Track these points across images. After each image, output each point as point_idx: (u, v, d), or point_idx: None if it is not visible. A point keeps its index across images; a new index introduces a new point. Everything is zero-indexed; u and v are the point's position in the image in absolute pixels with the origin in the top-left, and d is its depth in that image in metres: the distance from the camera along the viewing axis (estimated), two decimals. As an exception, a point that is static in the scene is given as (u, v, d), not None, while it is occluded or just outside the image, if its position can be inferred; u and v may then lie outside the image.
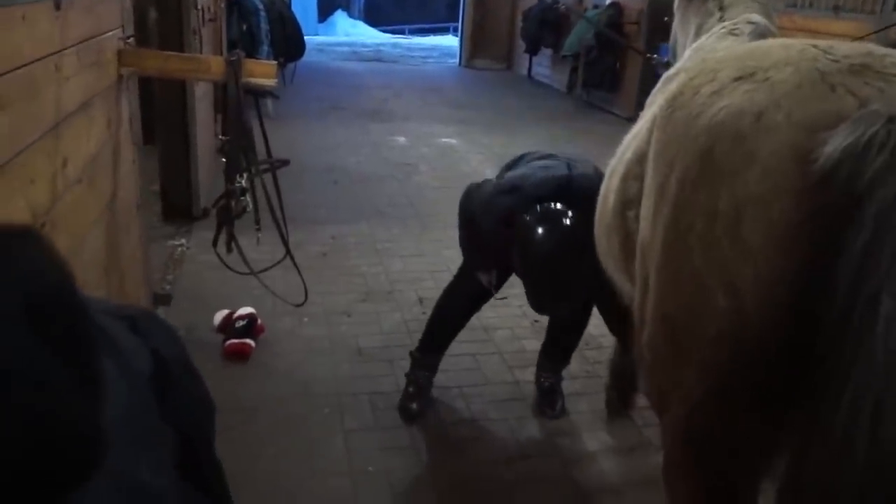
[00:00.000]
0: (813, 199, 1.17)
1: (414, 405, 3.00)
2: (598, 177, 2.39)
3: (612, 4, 9.40)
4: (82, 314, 0.57)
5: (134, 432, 0.69)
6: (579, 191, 2.51)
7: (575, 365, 3.44)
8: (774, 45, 1.47)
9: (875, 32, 3.48)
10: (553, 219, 2.50)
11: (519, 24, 12.28)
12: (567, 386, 3.25)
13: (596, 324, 3.84)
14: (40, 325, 0.53)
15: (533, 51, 11.84)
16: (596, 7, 9.87)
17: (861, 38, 3.62)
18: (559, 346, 3.15)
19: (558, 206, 2.51)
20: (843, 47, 1.35)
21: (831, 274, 1.12)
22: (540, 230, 2.47)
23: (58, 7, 2.03)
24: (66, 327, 0.55)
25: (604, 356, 3.46)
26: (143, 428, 0.73)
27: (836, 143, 1.13)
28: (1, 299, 0.52)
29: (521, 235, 2.51)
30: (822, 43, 1.38)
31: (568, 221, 2.48)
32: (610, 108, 9.51)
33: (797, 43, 1.41)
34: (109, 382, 0.61)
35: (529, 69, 12.51)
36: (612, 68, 9.20)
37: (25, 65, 1.80)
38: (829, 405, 1.11)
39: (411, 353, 3.11)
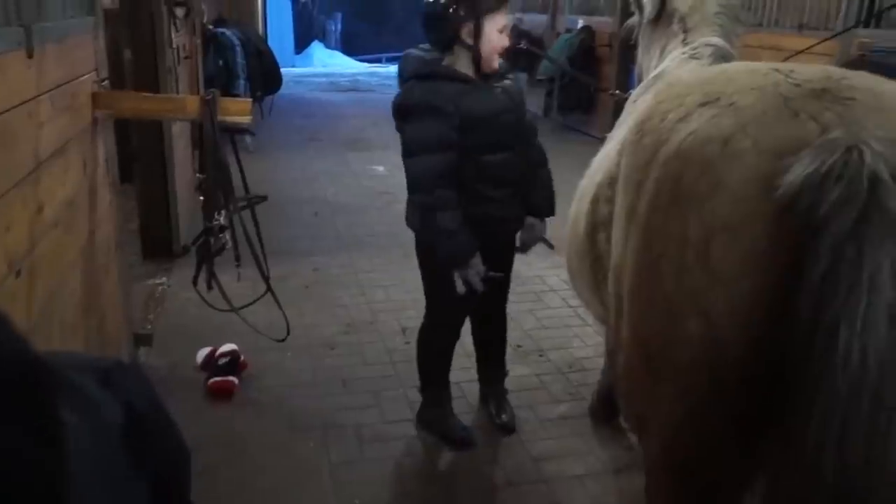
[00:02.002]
0: (778, 226, 1.19)
1: (462, 431, 3.02)
2: None
3: (584, 28, 9.55)
4: (42, 383, 0.59)
5: (103, 484, 0.70)
6: None
7: (559, 389, 3.46)
8: (739, 70, 1.50)
9: (825, 40, 3.57)
10: None
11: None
12: (551, 410, 3.26)
13: (579, 345, 3.88)
14: (6, 400, 0.54)
15: (508, 76, 11.95)
16: (569, 31, 10.01)
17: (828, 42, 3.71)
18: (489, 354, 3.20)
19: None
20: (805, 71, 1.38)
21: (795, 302, 1.14)
22: None
23: (30, 55, 2.05)
24: (24, 398, 0.56)
25: (588, 379, 3.48)
26: (112, 479, 0.74)
27: (796, 173, 1.16)
28: None
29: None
30: (784, 66, 1.41)
31: None
32: (586, 130, 9.61)
33: (761, 67, 1.44)
34: (77, 438, 0.62)
35: (506, 94, 12.62)
36: (587, 90, 9.31)
37: (-2, 114, 1.81)
38: (798, 431, 1.14)
39: (420, 392, 3.13)
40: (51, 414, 0.59)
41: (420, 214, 2.68)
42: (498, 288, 3.00)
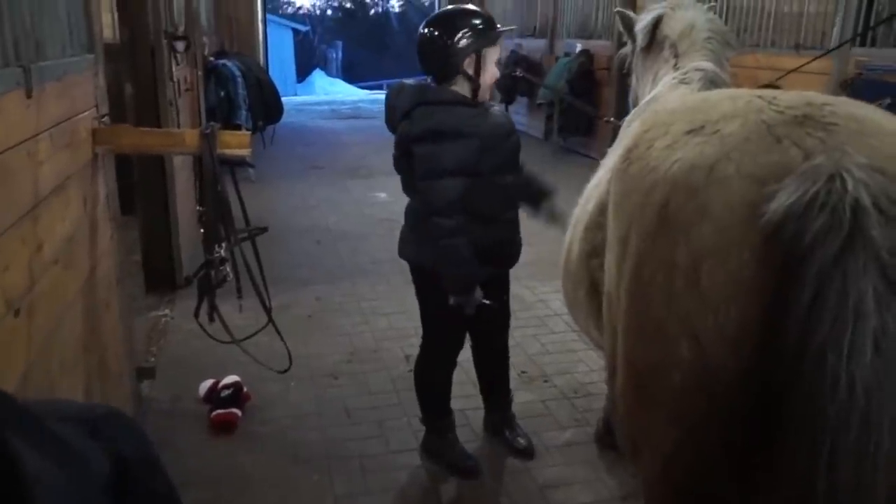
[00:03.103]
0: (764, 252, 1.20)
1: (467, 460, 3.01)
2: None
3: (582, 52, 9.61)
4: (11, 464, 0.58)
5: None
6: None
7: (564, 415, 3.43)
8: (723, 97, 1.52)
9: (820, 56, 3.60)
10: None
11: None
12: (557, 436, 3.23)
13: (584, 370, 3.86)
14: None
15: (509, 100, 12.03)
16: (567, 55, 10.08)
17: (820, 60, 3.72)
18: (493, 381, 3.19)
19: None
20: (787, 98, 1.40)
21: (782, 328, 1.15)
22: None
23: (29, 95, 2.07)
24: None
25: (593, 404, 3.46)
26: None
27: (780, 201, 1.17)
28: None
29: (443, 19, 2.65)
30: (766, 93, 1.43)
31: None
32: (587, 153, 9.64)
33: (744, 94, 1.47)
34: (61, 491, 0.62)
35: (506, 118, 12.69)
36: (593, 113, 9.35)
37: (-3, 154, 1.82)
38: (789, 455, 1.16)
39: (422, 422, 3.12)
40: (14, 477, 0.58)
41: (436, 236, 2.61)
42: (500, 314, 3.01)
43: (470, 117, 2.61)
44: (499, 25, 2.68)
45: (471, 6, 2.74)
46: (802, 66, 3.14)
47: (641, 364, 1.45)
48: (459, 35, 2.58)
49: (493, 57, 2.67)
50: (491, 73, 2.67)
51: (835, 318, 1.11)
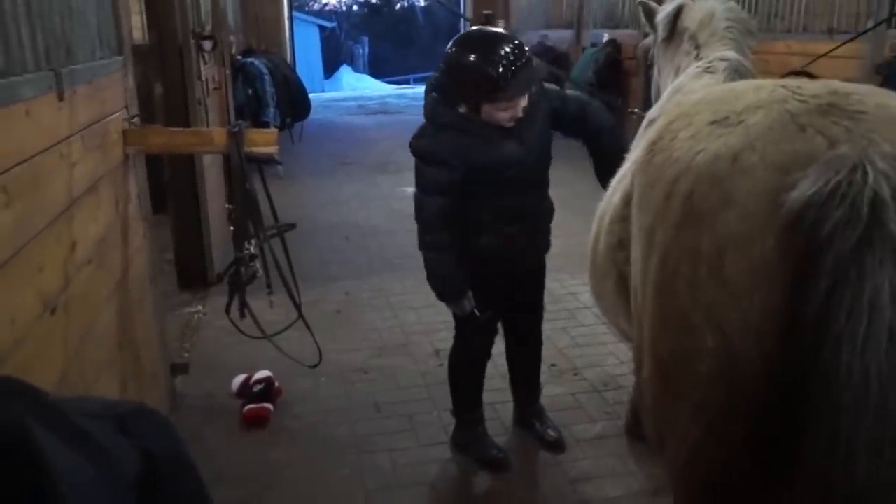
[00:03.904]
0: (786, 241, 1.20)
1: (497, 452, 3.01)
2: None
3: (609, 42, 9.52)
4: (34, 455, 0.60)
5: None
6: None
7: (594, 408, 3.41)
8: (747, 88, 1.52)
9: (852, 39, 3.49)
10: (477, 33, 2.63)
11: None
12: (588, 429, 3.22)
13: (614, 363, 3.83)
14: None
15: (535, 92, 11.98)
16: (594, 45, 10.00)
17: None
18: (525, 375, 3.18)
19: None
20: (811, 87, 1.40)
21: (801, 318, 1.16)
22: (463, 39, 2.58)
23: (60, 98, 2.11)
24: (22, 469, 0.58)
25: (623, 397, 3.43)
26: None
27: (802, 189, 1.17)
28: None
29: (463, 63, 2.51)
30: (792, 82, 1.43)
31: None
32: (615, 143, 9.57)
33: (768, 84, 1.46)
34: (90, 488, 0.63)
35: (533, 110, 12.62)
36: (614, 104, 9.27)
37: (30, 157, 1.86)
38: (808, 445, 1.17)
39: (453, 415, 3.13)
40: (44, 475, 0.59)
41: (420, 246, 2.77)
42: (531, 310, 3.00)
43: (462, 147, 2.58)
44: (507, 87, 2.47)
45: (492, 53, 2.47)
46: (832, 50, 3.07)
47: (666, 355, 1.46)
48: (460, 88, 2.55)
49: (497, 108, 2.53)
50: (498, 117, 2.55)
51: (850, 311, 1.11)
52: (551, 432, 3.12)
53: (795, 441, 1.21)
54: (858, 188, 1.14)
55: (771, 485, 1.33)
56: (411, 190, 2.79)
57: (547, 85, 2.79)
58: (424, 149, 2.66)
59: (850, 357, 1.11)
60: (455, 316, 2.95)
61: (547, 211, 2.90)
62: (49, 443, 0.64)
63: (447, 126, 2.61)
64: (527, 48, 2.53)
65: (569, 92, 2.84)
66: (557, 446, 3.08)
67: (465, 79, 2.52)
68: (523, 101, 2.54)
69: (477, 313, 2.78)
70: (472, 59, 2.48)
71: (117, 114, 2.77)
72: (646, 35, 2.86)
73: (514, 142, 2.63)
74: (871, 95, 1.36)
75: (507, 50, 2.44)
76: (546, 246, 2.96)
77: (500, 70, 2.42)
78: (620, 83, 9.24)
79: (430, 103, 2.68)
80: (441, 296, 2.82)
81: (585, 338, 4.14)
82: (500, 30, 2.61)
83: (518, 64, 2.45)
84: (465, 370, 3.06)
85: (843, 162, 1.17)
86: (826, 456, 1.14)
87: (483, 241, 2.73)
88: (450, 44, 2.61)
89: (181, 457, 0.93)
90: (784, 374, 1.22)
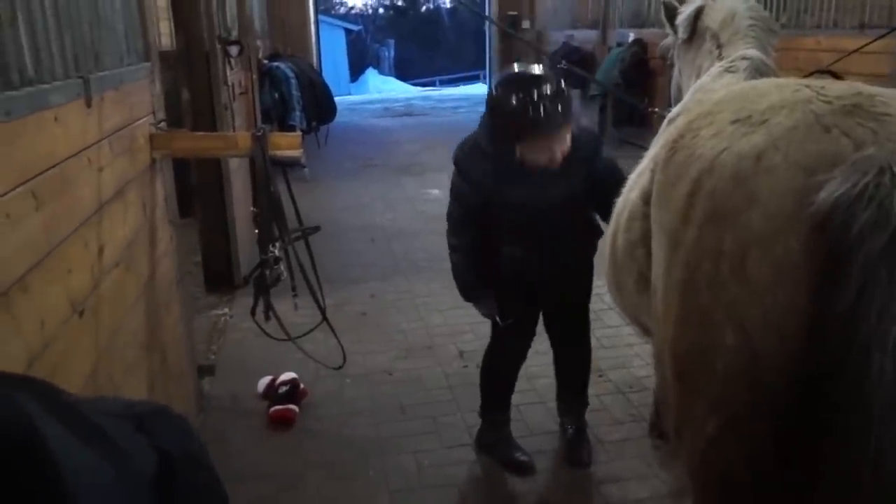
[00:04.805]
0: (811, 241, 1.20)
1: (521, 455, 3.00)
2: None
3: (635, 41, 9.45)
4: (42, 461, 0.61)
5: None
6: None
7: (619, 410, 3.39)
8: (769, 87, 1.51)
9: (883, 35, 3.41)
10: (514, 75, 2.61)
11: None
12: (612, 431, 3.20)
13: (639, 364, 3.80)
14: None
15: (561, 92, 11.92)
16: (620, 45, 9.94)
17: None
18: (572, 384, 3.13)
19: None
20: (835, 87, 1.39)
21: (828, 319, 1.16)
22: (507, 84, 2.56)
23: (88, 104, 2.15)
24: (29, 475, 0.59)
25: (649, 399, 3.40)
26: None
27: (830, 191, 1.17)
28: None
29: (498, 103, 2.54)
30: (815, 83, 1.42)
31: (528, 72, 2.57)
32: (641, 143, 9.48)
33: (791, 83, 1.46)
34: (108, 489, 0.65)
35: (559, 110, 12.56)
36: (639, 107, 9.21)
37: (59, 163, 1.90)
38: (835, 447, 1.18)
39: (480, 415, 3.13)
40: (52, 482, 0.61)
41: (448, 247, 2.90)
42: (573, 316, 3.00)
43: (489, 174, 2.65)
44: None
45: (524, 94, 2.49)
46: (862, 46, 3.02)
47: (686, 351, 1.46)
48: (495, 128, 2.59)
49: (533, 149, 2.54)
50: (534, 158, 2.57)
51: (881, 313, 1.11)
52: (582, 453, 3.03)
53: (818, 439, 1.21)
54: (887, 190, 1.14)
55: (790, 483, 1.33)
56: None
57: (585, 130, 2.80)
58: (460, 162, 2.77)
59: (881, 357, 1.11)
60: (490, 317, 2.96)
61: (581, 230, 2.86)
62: (65, 441, 0.65)
63: (485, 153, 2.67)
64: (565, 92, 2.54)
65: (605, 157, 2.80)
66: (580, 465, 3.00)
67: (497, 120, 2.58)
68: (561, 145, 2.57)
69: (499, 320, 2.85)
70: (504, 100, 2.53)
71: (144, 119, 2.81)
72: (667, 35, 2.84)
73: (542, 185, 2.65)
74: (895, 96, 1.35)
75: (539, 91, 2.47)
76: (576, 259, 2.91)
77: (531, 113, 2.46)
78: (646, 83, 9.17)
79: (480, 125, 2.74)
80: (462, 295, 2.94)
81: (610, 339, 4.12)
82: (539, 71, 2.58)
83: (548, 105, 2.47)
84: (496, 371, 3.06)
85: (870, 164, 1.17)
86: (856, 456, 1.14)
87: (505, 250, 2.79)
88: (496, 82, 2.68)
89: (199, 457, 0.94)
90: (807, 373, 1.21)
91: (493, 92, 2.61)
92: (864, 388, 1.12)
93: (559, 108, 2.50)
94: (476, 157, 2.70)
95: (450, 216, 2.83)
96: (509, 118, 2.51)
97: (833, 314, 1.16)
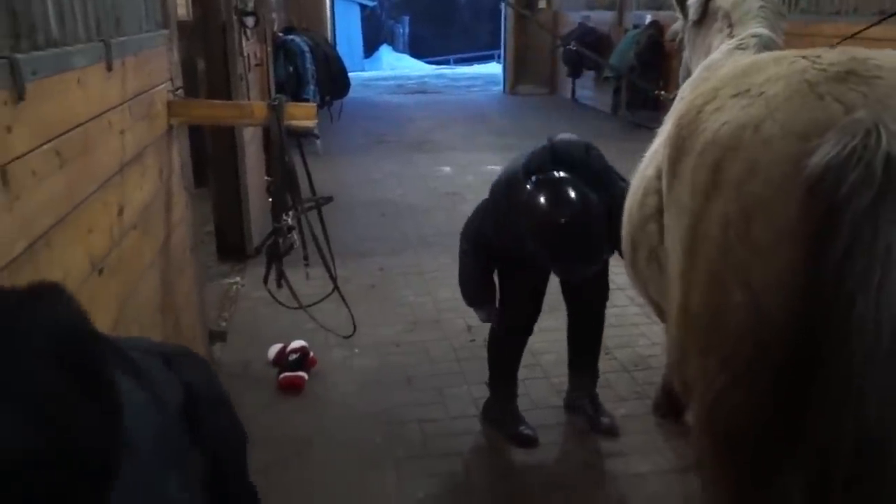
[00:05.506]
0: (807, 204, 1.28)
1: (525, 429, 3.05)
2: (579, 140, 2.77)
3: (652, 23, 9.39)
4: (100, 356, 0.65)
5: (164, 452, 0.78)
6: (564, 152, 2.68)
7: (623, 387, 3.43)
8: (768, 60, 1.58)
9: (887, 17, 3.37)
10: (551, 183, 2.58)
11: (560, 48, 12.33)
12: (616, 408, 3.24)
13: (645, 343, 3.84)
14: (66, 364, 0.63)
15: (575, 74, 11.87)
16: (636, 27, 9.87)
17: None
18: (583, 357, 3.17)
19: (553, 173, 2.60)
20: (831, 55, 1.45)
21: (820, 274, 1.24)
22: (543, 198, 2.55)
23: (109, 68, 2.18)
24: (86, 367, 0.63)
25: (653, 377, 3.45)
26: (172, 450, 0.81)
27: (821, 154, 1.24)
28: (35, 343, 0.62)
29: (528, 209, 2.58)
30: (811, 52, 1.49)
31: (567, 184, 2.56)
32: (655, 127, 9.46)
33: (788, 55, 1.53)
34: (142, 409, 0.69)
35: (573, 92, 12.53)
36: (655, 86, 9.17)
37: (81, 124, 1.93)
38: (823, 390, 1.26)
39: (488, 386, 3.18)
40: (105, 379, 0.66)
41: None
42: (595, 288, 3.03)
43: (501, 228, 2.77)
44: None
45: (567, 240, 2.54)
46: (862, 30, 2.99)
47: (698, 313, 1.55)
48: (529, 243, 2.60)
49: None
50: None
51: (865, 266, 1.19)
52: (605, 419, 3.09)
53: (809, 389, 1.29)
54: (873, 151, 1.20)
55: (789, 433, 1.40)
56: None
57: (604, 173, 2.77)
58: (495, 194, 2.86)
59: (863, 308, 1.19)
60: (500, 288, 3.00)
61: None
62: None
63: (507, 216, 2.73)
64: (602, 221, 2.52)
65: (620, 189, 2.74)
66: (612, 433, 3.06)
67: (530, 236, 2.60)
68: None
69: (490, 322, 3.07)
70: (539, 223, 2.56)
71: (162, 85, 2.85)
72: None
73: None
74: (890, 58, 1.41)
75: (580, 230, 2.50)
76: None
77: (563, 259, 2.62)
78: (662, 65, 9.12)
79: (509, 193, 2.74)
80: (464, 299, 3.10)
81: (618, 318, 4.14)
82: (575, 196, 2.51)
83: (584, 251, 2.58)
84: (504, 342, 3.10)
85: (858, 126, 1.24)
86: (839, 398, 1.22)
87: (518, 275, 2.93)
88: (524, 187, 2.61)
89: (220, 394, 0.99)
90: (806, 326, 1.29)
91: (523, 190, 2.59)
92: (847, 337, 1.20)
93: (596, 252, 2.60)
94: (504, 204, 2.76)
95: (469, 224, 2.95)
96: (540, 245, 2.58)
97: (824, 269, 1.23)
